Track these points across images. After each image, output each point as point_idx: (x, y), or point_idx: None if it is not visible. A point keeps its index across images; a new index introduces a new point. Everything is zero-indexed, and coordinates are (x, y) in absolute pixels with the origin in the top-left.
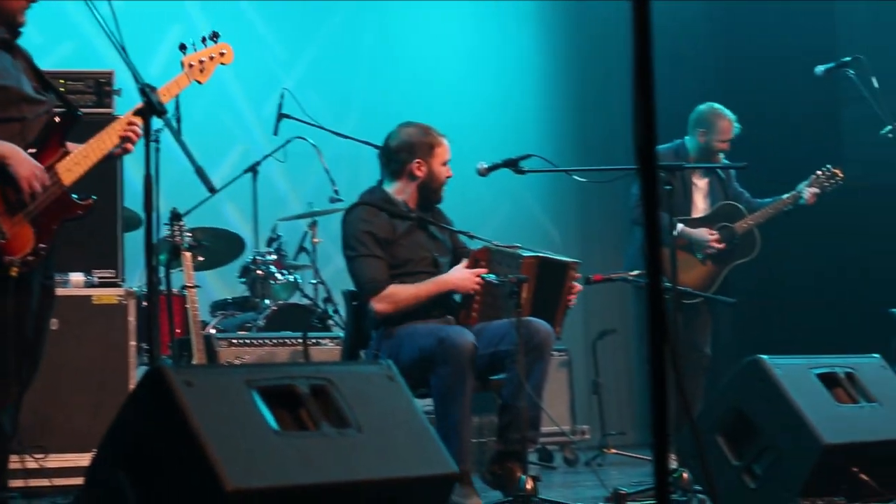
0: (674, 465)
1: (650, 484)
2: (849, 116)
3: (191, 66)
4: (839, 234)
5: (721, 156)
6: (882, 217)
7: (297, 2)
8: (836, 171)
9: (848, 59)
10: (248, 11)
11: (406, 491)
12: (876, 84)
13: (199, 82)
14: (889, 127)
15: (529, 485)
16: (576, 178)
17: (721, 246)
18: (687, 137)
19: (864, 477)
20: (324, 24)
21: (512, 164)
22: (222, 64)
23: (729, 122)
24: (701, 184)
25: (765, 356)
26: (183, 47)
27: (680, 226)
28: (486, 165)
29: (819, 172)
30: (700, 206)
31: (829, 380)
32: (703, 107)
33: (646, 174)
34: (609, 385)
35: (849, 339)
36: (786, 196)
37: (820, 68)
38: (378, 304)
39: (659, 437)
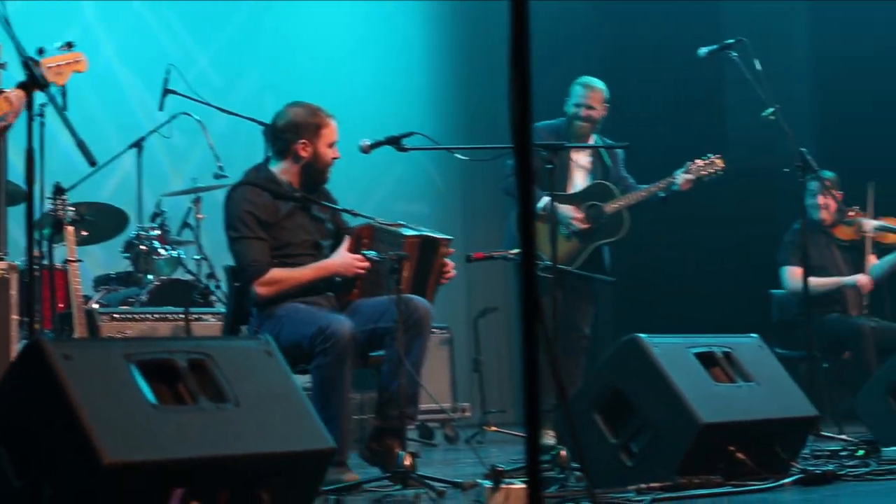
0: (552, 442)
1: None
2: (732, 99)
3: (49, 67)
4: (721, 215)
5: (584, 125)
6: (763, 199)
7: (195, 3)
8: (717, 160)
9: (731, 41)
10: (145, 13)
11: (283, 466)
12: (758, 66)
13: (56, 84)
14: (770, 109)
15: (408, 461)
16: (458, 156)
17: (585, 225)
18: None
19: (740, 456)
20: (221, 27)
21: (394, 142)
22: (77, 72)
23: (585, 88)
24: (584, 162)
25: (642, 335)
26: (41, 51)
27: (545, 199)
28: (368, 143)
29: (698, 161)
30: (579, 184)
31: (706, 359)
32: None
33: (520, 152)
34: (490, 363)
35: (729, 319)
36: (659, 182)
37: (703, 50)
38: (260, 288)
39: (531, 416)
